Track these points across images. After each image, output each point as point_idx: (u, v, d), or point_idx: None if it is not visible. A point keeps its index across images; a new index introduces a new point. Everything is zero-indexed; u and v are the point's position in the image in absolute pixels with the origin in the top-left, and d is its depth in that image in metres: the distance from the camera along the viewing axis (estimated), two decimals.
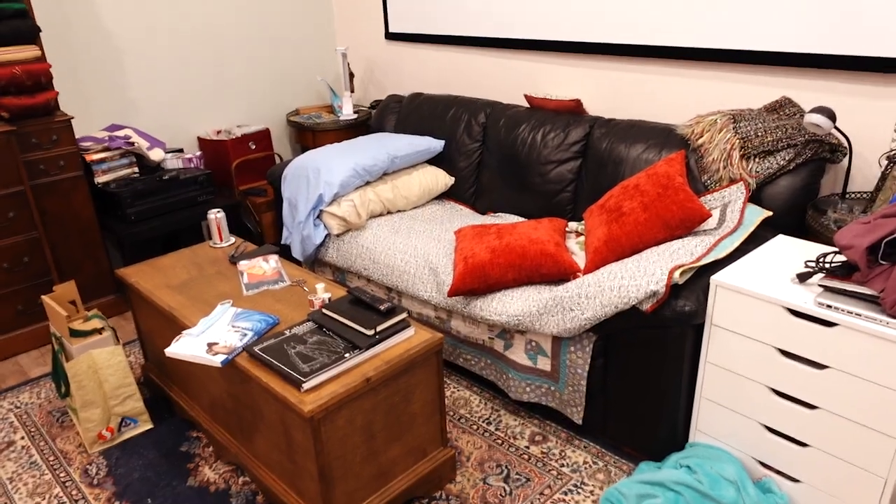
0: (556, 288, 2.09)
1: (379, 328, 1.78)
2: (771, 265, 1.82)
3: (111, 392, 2.24)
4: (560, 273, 2.16)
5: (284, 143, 4.10)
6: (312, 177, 2.81)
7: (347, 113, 3.77)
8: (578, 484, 2.02)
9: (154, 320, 2.33)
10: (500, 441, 2.21)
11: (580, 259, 2.33)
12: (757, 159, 2.18)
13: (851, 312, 1.54)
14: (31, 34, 2.70)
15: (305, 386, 1.63)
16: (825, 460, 1.69)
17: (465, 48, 3.40)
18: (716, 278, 1.77)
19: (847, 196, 2.17)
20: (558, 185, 2.70)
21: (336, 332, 1.82)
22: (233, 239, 2.61)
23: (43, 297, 2.31)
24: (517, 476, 2.06)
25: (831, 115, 1.98)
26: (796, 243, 1.95)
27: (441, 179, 3.06)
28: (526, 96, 2.93)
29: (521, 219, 2.81)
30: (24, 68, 2.66)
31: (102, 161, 3.03)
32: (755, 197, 2.20)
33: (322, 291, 2.05)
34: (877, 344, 1.50)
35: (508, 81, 3.26)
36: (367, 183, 2.89)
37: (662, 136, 2.43)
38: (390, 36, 3.77)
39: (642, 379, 1.97)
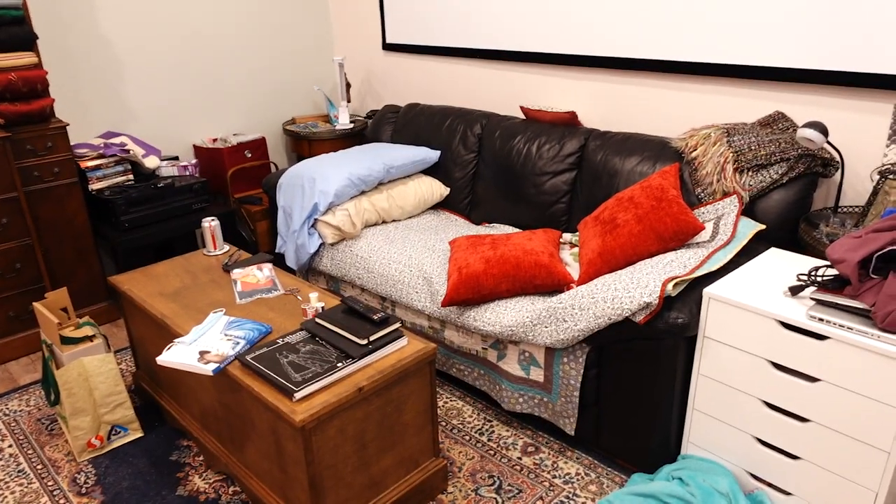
0: (549, 299, 2.09)
1: (372, 338, 1.78)
2: (763, 278, 1.83)
3: (101, 400, 2.22)
4: (554, 284, 2.16)
5: (280, 151, 4.10)
6: (308, 186, 2.81)
7: (344, 122, 3.78)
8: (570, 495, 2.01)
9: (146, 328, 2.32)
10: (492, 452, 2.21)
11: (574, 270, 2.34)
12: (750, 173, 2.19)
13: (843, 326, 1.54)
14: (28, 41, 2.71)
15: (297, 395, 1.62)
16: (817, 473, 1.69)
17: (462, 59, 3.42)
18: (709, 291, 1.78)
19: (839, 210, 2.18)
20: (553, 196, 2.71)
21: (329, 341, 1.81)
22: (227, 247, 2.61)
23: (34, 304, 2.30)
24: (509, 487, 2.05)
25: (824, 130, 1.99)
26: (789, 257, 1.96)
27: (436, 190, 3.07)
28: (522, 108, 2.95)
29: (515, 230, 2.81)
30: (21, 75, 2.66)
31: (97, 168, 3.03)
32: (748, 210, 2.21)
33: (315, 300, 2.04)
34: (868, 357, 1.51)
35: (504, 93, 3.28)
36: (363, 192, 2.90)
37: (657, 149, 2.44)
38: (387, 46, 3.79)
39: (635, 390, 1.96)
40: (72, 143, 3.13)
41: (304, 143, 3.77)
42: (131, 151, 3.13)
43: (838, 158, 2.18)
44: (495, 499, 2.00)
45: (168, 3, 3.41)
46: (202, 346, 1.88)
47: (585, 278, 2.13)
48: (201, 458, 2.23)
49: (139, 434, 2.34)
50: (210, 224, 2.53)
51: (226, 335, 1.92)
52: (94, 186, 3.04)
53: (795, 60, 2.26)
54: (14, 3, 2.64)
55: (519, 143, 2.84)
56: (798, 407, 1.67)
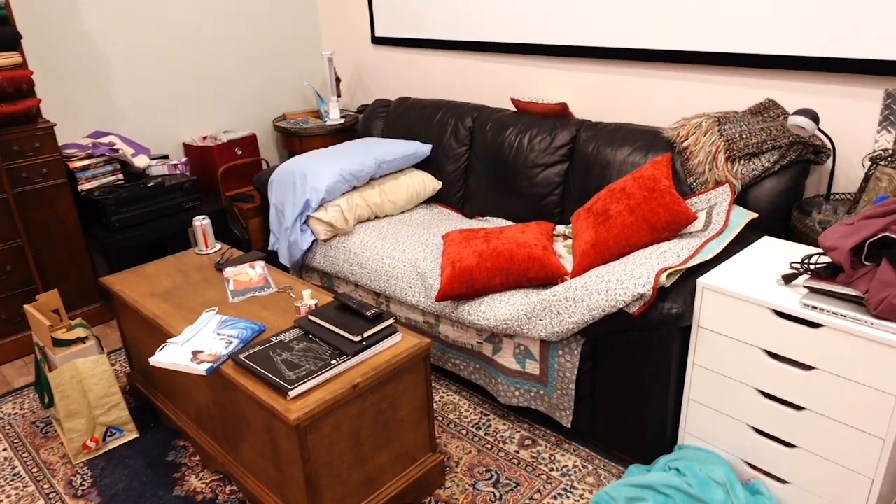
0: (543, 292, 2.09)
1: (366, 334, 1.77)
2: (757, 267, 1.82)
3: (96, 401, 2.21)
4: (547, 277, 2.16)
5: (271, 148, 4.08)
6: (299, 182, 2.79)
7: (334, 118, 3.76)
8: (568, 488, 2.01)
9: (139, 328, 2.31)
10: (489, 446, 2.21)
11: (567, 262, 2.33)
12: (742, 161, 2.19)
13: (836, 313, 1.54)
14: (12, 41, 2.67)
15: (291, 394, 1.61)
16: (813, 461, 1.69)
17: (452, 52, 3.40)
18: (702, 280, 1.78)
19: (831, 197, 2.18)
20: (545, 188, 2.70)
21: (323, 338, 1.81)
22: (218, 245, 2.59)
23: (25, 306, 2.29)
24: (507, 481, 2.05)
25: (815, 117, 1.99)
26: (782, 245, 1.96)
27: (429, 184, 3.05)
28: (512, 100, 2.94)
29: (508, 222, 2.81)
30: (5, 75, 2.63)
31: (86, 168, 3.00)
32: (741, 199, 2.21)
33: (308, 298, 2.03)
34: (862, 344, 1.51)
35: (495, 85, 3.26)
36: (355, 188, 2.88)
37: (648, 139, 2.44)
38: (377, 40, 3.76)
39: (631, 382, 1.96)
40: (60, 144, 3.10)
41: (294, 140, 3.74)
42: (120, 151, 3.11)
43: (830, 145, 2.18)
44: (493, 493, 2.00)
45: None
46: (195, 345, 1.86)
47: (579, 270, 2.12)
48: (197, 458, 2.22)
49: (135, 435, 2.33)
50: (201, 223, 2.52)
51: (219, 334, 1.91)
52: (84, 187, 3.02)
53: (785, 47, 2.25)
54: None
55: (510, 136, 2.83)
56: (793, 395, 1.67)
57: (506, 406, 2.40)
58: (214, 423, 2.04)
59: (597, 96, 2.86)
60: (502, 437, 2.24)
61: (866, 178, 1.99)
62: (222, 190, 3.57)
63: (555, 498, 1.97)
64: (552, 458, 2.14)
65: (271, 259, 3.06)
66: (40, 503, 2.06)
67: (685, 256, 1.92)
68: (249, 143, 3.66)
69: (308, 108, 4.17)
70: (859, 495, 1.63)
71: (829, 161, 2.23)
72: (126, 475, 2.15)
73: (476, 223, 2.84)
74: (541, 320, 2.03)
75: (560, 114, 2.79)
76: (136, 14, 3.33)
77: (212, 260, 2.49)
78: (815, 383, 1.62)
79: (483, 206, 2.95)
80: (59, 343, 2.19)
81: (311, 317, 1.88)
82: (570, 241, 2.48)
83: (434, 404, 2.43)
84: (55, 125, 2.85)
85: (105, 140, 3.14)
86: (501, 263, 2.17)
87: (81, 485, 2.13)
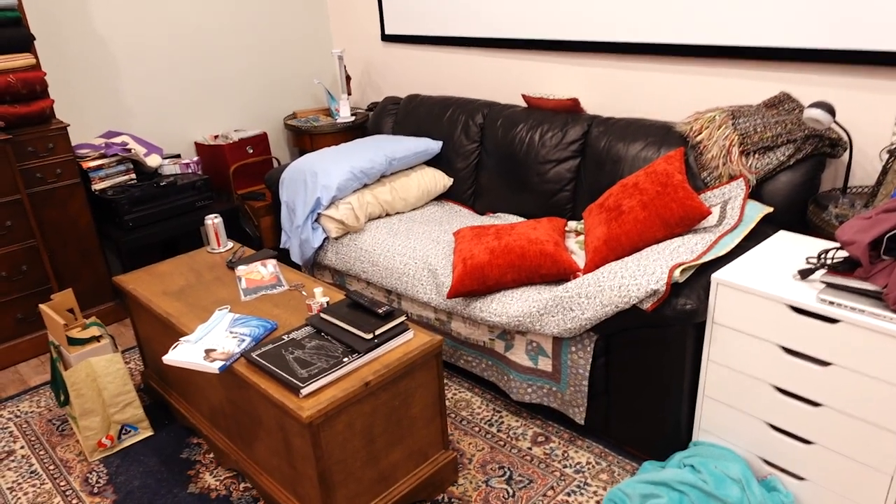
0: (555, 288, 2.07)
1: (377, 332, 1.77)
2: (772, 262, 1.80)
3: (110, 400, 2.23)
4: (559, 273, 2.14)
5: (282, 146, 4.09)
6: (310, 180, 2.80)
7: (345, 116, 3.76)
8: (582, 485, 2.00)
9: (152, 327, 2.32)
10: (502, 443, 2.20)
11: (580, 258, 2.32)
12: (756, 155, 2.17)
13: (855, 308, 1.52)
14: (25, 42, 2.69)
15: (304, 391, 1.61)
16: (830, 458, 1.67)
17: (462, 49, 3.39)
18: (717, 276, 1.76)
19: (848, 191, 2.15)
20: (557, 184, 2.68)
21: (334, 336, 1.80)
22: (230, 244, 2.60)
23: (40, 305, 2.30)
24: (520, 477, 2.04)
25: (831, 110, 1.96)
26: (798, 239, 1.94)
27: (439, 181, 3.05)
28: (523, 96, 2.92)
29: (520, 219, 2.79)
30: (19, 77, 2.65)
31: (99, 168, 3.02)
32: (755, 193, 2.18)
33: (320, 295, 2.03)
34: (881, 340, 1.49)
35: (505, 81, 3.25)
36: (365, 185, 2.88)
37: (661, 134, 2.41)
38: (386, 38, 3.76)
39: (644, 378, 1.95)
40: (73, 144, 3.13)
41: (305, 138, 3.75)
42: (133, 150, 3.13)
43: (846, 138, 2.14)
44: (506, 489, 2.00)
45: None
46: (208, 344, 1.87)
47: (591, 266, 2.11)
48: (212, 455, 2.23)
49: (149, 433, 2.35)
50: (213, 221, 2.53)
51: (231, 332, 1.91)
52: (97, 186, 3.04)
53: (800, 40, 2.22)
54: (9, 4, 2.63)
55: (521, 132, 2.82)
56: (810, 391, 1.65)
57: (518, 403, 2.39)
58: (228, 420, 2.04)
59: (608, 91, 2.84)
60: (515, 433, 2.24)
61: (884, 171, 1.96)
62: (234, 188, 3.59)
63: (568, 495, 1.96)
64: (565, 454, 2.13)
65: (283, 257, 3.07)
66: (57, 500, 2.08)
67: (699, 252, 1.90)
68: (260, 141, 3.67)
69: (318, 107, 4.17)
70: (878, 492, 1.61)
71: (846, 154, 2.20)
72: (141, 472, 2.17)
73: (487, 220, 2.84)
74: (553, 317, 2.02)
75: (571, 109, 2.77)
76: (146, 14, 3.34)
77: (224, 258, 2.50)
78: (832, 379, 1.60)
79: (494, 203, 2.94)
80: (73, 342, 2.21)
81: (322, 314, 1.88)
82: (582, 237, 2.47)
83: (446, 401, 2.42)
84: (68, 126, 2.87)
85: (117, 140, 3.16)
86: (513, 260, 2.16)
87: (97, 482, 2.14)
